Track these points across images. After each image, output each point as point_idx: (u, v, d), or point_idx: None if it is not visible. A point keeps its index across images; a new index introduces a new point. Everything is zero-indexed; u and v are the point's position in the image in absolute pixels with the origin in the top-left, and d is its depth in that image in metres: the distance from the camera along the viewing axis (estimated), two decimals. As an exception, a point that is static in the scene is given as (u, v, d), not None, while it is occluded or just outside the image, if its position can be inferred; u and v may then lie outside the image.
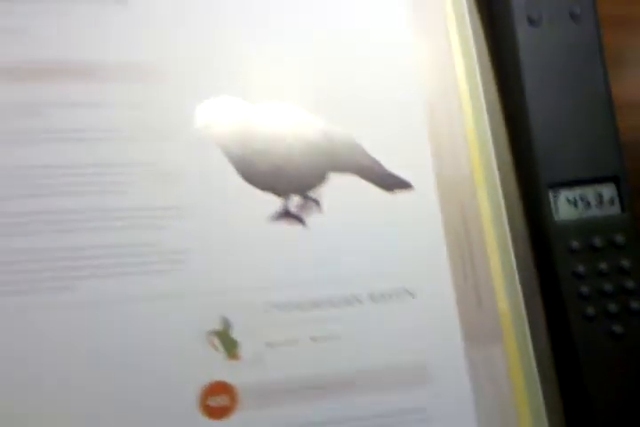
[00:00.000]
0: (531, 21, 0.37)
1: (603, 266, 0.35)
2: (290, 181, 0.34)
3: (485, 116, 0.37)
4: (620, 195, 0.37)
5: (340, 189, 0.34)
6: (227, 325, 0.31)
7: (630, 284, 0.35)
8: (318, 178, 0.34)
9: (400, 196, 0.34)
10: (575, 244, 0.36)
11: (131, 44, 0.33)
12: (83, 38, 0.33)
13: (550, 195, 0.36)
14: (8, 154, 0.31)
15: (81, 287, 0.30)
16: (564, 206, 0.36)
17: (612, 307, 0.35)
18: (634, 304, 0.35)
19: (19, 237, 0.30)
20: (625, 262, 0.35)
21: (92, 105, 0.32)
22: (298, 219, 0.34)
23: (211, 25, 0.35)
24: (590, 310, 0.35)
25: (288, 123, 0.35)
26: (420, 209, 0.34)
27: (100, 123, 0.32)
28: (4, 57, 0.32)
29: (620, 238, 0.36)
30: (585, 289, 0.35)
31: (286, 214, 0.34)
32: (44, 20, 0.33)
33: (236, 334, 0.31)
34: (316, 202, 0.34)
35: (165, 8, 0.34)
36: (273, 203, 0.34)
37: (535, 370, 0.34)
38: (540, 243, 0.36)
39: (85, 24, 0.33)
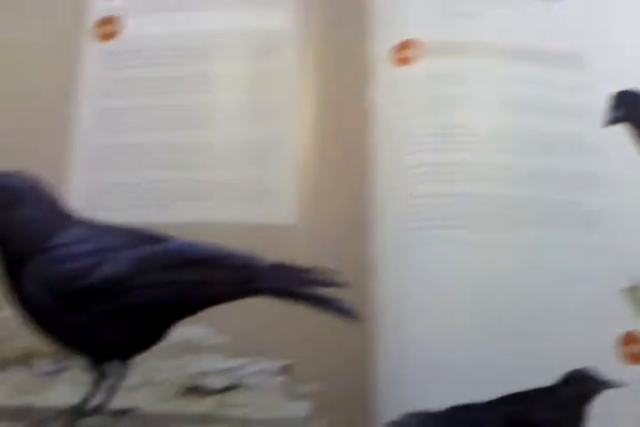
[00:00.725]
0: None
1: None
2: None
3: None
4: None
5: None
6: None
7: None
8: None
9: None
10: None
11: (560, 32, 0.39)
12: (522, 25, 0.39)
13: None
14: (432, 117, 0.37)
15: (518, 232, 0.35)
16: None
17: None
18: None
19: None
20: None
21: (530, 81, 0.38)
22: None
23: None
24: None
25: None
26: None
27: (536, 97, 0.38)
28: (458, 36, 0.39)
29: None
30: None
31: None
32: (494, 8, 0.39)
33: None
34: None
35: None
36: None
37: None
38: None
39: (524, 14, 0.40)
